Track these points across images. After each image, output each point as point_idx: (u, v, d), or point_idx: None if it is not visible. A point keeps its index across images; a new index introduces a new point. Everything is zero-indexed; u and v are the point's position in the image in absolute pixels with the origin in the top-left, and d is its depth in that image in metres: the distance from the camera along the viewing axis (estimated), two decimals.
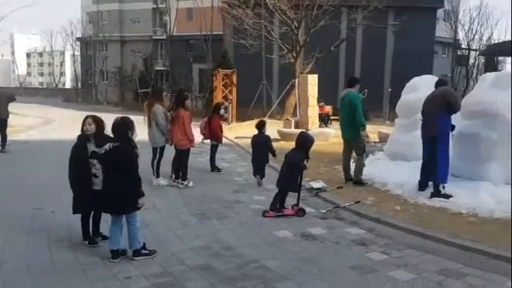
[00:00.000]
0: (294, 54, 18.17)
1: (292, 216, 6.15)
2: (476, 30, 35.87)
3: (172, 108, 7.94)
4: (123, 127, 4.56)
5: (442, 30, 37.50)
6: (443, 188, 6.77)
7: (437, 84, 7.26)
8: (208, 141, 9.44)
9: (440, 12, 36.81)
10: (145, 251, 4.60)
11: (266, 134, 8.36)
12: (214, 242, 5.10)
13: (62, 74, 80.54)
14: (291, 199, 6.36)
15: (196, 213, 6.28)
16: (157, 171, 7.99)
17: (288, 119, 14.58)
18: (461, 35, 37.60)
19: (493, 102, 6.95)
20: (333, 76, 25.64)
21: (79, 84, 54.32)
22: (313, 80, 13.76)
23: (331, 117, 19.34)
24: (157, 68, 43.67)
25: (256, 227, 5.71)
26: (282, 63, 20.35)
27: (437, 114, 6.71)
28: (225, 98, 20.37)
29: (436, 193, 6.76)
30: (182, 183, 7.86)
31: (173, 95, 8.49)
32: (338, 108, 8.50)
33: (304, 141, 6.30)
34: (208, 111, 24.64)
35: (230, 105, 20.06)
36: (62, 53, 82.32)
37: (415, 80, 9.18)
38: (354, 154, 8.15)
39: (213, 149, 9.39)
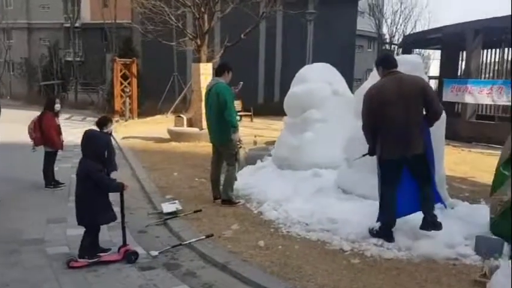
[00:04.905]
0: (199, 42, 16.05)
1: (117, 261, 4.18)
2: (399, 24, 35.69)
3: None
4: None
5: (367, 25, 37.13)
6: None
7: (390, 66, 4.54)
8: (42, 147, 7.10)
9: (365, 6, 36.32)
10: None
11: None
12: None
13: None
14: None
15: None
16: None
17: (179, 116, 12.36)
18: (385, 29, 37.41)
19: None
20: (252, 67, 24.10)
21: None
22: (206, 69, 11.66)
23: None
24: (69, 59, 39.93)
25: None
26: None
27: (419, 119, 4.40)
28: (123, 90, 17.92)
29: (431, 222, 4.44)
30: None
31: None
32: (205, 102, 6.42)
33: (91, 146, 4.15)
34: (110, 107, 22.27)
35: (128, 99, 17.62)
36: None
37: (305, 70, 7.37)
38: (224, 164, 6.27)
39: (48, 158, 7.06)
